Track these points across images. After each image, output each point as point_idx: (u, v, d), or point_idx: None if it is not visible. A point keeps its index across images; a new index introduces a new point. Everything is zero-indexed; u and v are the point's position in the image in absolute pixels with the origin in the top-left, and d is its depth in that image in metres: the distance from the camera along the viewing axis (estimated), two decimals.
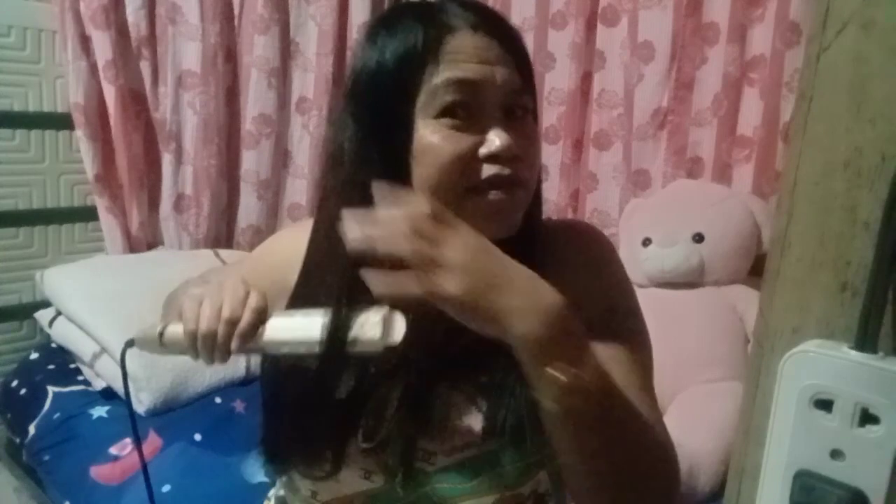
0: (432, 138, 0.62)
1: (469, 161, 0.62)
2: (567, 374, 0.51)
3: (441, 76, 0.61)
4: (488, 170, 0.62)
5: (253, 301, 0.61)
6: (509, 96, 0.64)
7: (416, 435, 0.66)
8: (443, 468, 0.65)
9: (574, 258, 0.71)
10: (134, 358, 1.53)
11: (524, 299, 0.52)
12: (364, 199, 0.64)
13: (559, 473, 0.68)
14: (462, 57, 0.62)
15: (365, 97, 0.65)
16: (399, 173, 0.63)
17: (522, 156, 0.64)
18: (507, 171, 0.63)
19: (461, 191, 0.63)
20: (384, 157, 0.64)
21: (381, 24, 0.66)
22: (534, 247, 0.69)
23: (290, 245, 0.85)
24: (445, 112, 0.62)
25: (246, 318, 0.60)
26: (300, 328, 0.61)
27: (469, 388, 0.66)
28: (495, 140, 0.62)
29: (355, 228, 0.52)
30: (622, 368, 0.64)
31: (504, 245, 0.66)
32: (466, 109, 0.62)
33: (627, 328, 0.68)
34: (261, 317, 0.61)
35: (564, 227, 0.75)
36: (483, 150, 0.62)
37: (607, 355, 0.64)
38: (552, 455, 0.64)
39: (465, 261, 0.52)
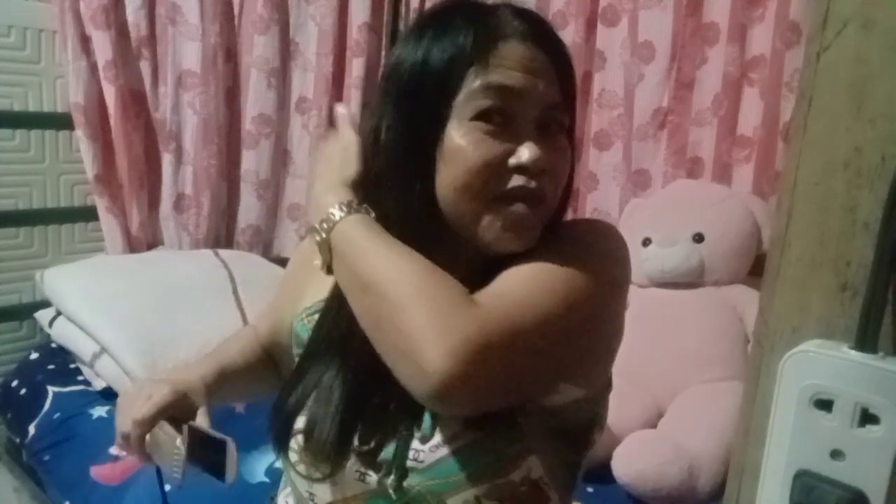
0: (463, 140, 0.62)
1: (497, 169, 0.62)
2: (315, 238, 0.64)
3: (483, 79, 0.61)
4: (515, 180, 0.62)
5: (138, 411, 0.75)
6: (547, 110, 0.64)
7: (410, 437, 0.66)
8: (430, 464, 0.65)
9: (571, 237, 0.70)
10: (134, 357, 1.53)
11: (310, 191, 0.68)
12: (396, 185, 0.66)
13: (553, 458, 0.68)
14: (507, 63, 0.62)
15: (405, 89, 0.65)
16: (428, 169, 0.64)
17: (550, 171, 0.64)
18: (533, 184, 0.63)
19: (486, 198, 0.63)
20: (417, 150, 0.64)
21: (432, 19, 0.66)
22: None
23: (302, 252, 0.89)
24: (481, 116, 0.62)
25: (133, 433, 0.76)
26: (164, 453, 0.75)
27: None
28: (526, 152, 0.62)
29: None
30: (519, 274, 0.62)
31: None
32: (502, 116, 0.62)
33: (566, 259, 0.63)
34: (145, 427, 0.75)
35: (573, 225, 0.75)
36: (512, 161, 0.62)
37: (522, 268, 0.62)
38: (541, 439, 0.64)
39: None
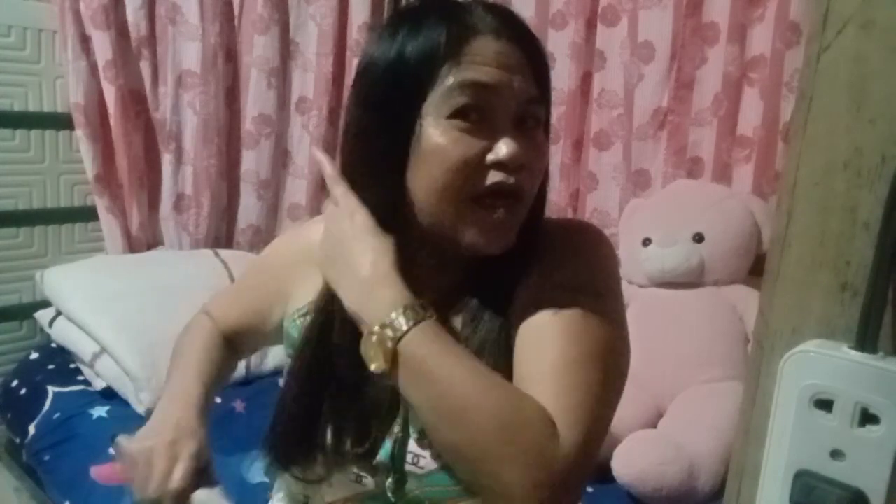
0: (441, 139, 0.61)
1: (475, 166, 0.62)
2: (369, 340, 0.59)
3: (458, 77, 0.61)
4: (493, 177, 0.62)
5: (175, 480, 0.67)
6: (523, 105, 0.64)
7: (405, 438, 0.66)
8: (431, 471, 0.65)
9: (561, 252, 0.70)
10: (134, 357, 1.54)
11: (341, 272, 0.64)
12: (371, 184, 0.65)
13: None
14: (481, 60, 0.61)
15: (379, 86, 0.65)
16: (402, 168, 0.63)
17: (528, 166, 0.64)
18: (511, 179, 0.62)
19: (465, 197, 0.62)
20: (389, 149, 0.63)
21: (404, 16, 0.66)
22: (531, 251, 0.69)
23: (286, 249, 0.87)
24: (458, 113, 0.61)
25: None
26: None
27: None
28: (503, 148, 0.61)
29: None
30: (552, 343, 0.62)
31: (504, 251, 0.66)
32: (479, 113, 0.62)
33: (582, 306, 0.64)
34: (183, 493, 0.67)
35: (562, 227, 0.74)
36: (490, 157, 0.62)
37: (543, 328, 0.63)
38: None
39: (325, 241, 0.66)
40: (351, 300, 0.62)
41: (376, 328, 0.59)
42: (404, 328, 0.58)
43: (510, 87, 0.62)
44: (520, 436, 0.56)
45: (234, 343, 0.88)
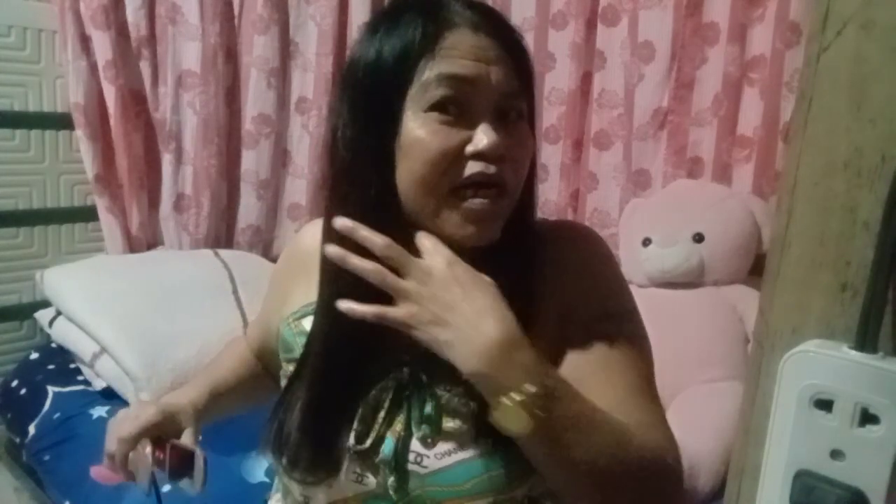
0: (420, 132, 0.62)
1: (455, 157, 0.62)
2: (509, 404, 0.55)
3: (435, 70, 0.61)
4: (472, 167, 0.62)
5: (123, 430, 0.78)
6: (503, 98, 0.64)
7: (408, 437, 0.66)
8: (435, 471, 0.65)
9: (567, 260, 0.70)
10: (134, 357, 1.53)
11: (462, 335, 0.57)
12: (355, 187, 0.65)
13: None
14: (458, 53, 0.62)
15: (360, 86, 0.65)
16: (388, 165, 0.63)
17: (509, 158, 0.63)
18: (491, 169, 0.62)
19: (445, 189, 0.63)
20: (374, 147, 0.64)
21: (383, 16, 0.67)
22: (524, 250, 0.69)
23: (284, 258, 0.91)
24: (436, 106, 0.62)
25: (118, 451, 0.79)
26: (142, 472, 0.78)
27: (460, 390, 0.66)
28: (483, 138, 0.61)
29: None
30: (615, 375, 0.66)
31: (494, 249, 0.66)
32: (457, 106, 0.62)
33: (624, 332, 0.68)
34: (128, 445, 0.78)
35: (557, 228, 0.74)
36: (469, 148, 0.62)
37: (601, 363, 0.66)
38: None
39: (418, 290, 0.58)
40: (478, 365, 0.56)
41: (518, 393, 0.55)
42: (555, 391, 0.56)
43: (487, 80, 0.62)
44: (666, 484, 0.63)
45: (263, 360, 0.92)
